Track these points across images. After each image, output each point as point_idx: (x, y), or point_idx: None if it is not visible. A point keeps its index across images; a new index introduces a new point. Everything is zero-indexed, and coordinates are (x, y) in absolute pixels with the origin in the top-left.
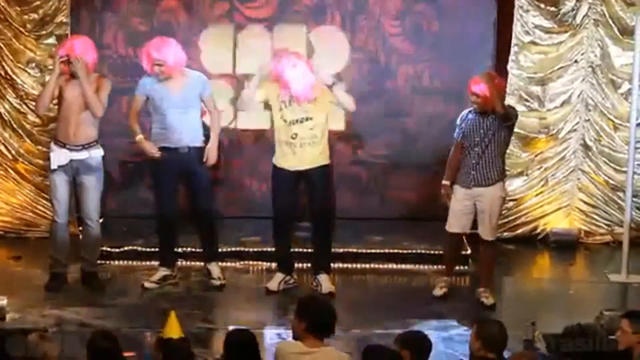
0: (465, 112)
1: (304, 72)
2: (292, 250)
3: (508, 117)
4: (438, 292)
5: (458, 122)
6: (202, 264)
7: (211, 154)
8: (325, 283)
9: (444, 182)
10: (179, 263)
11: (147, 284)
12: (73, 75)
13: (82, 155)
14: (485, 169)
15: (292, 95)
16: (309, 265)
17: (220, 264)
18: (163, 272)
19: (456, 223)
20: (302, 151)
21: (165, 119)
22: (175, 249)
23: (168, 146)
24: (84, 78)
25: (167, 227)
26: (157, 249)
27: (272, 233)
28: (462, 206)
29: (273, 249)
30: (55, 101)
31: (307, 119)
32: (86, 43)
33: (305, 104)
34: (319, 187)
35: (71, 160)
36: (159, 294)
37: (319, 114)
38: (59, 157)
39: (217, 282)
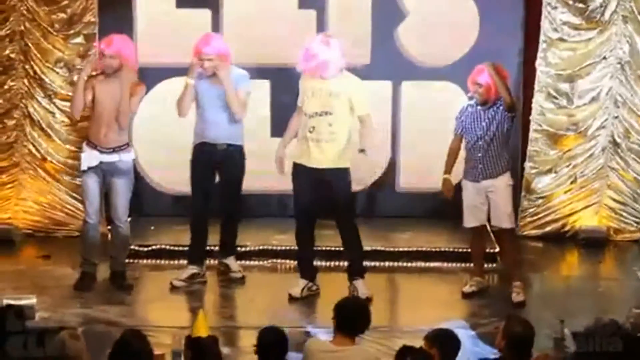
0: (464, 105)
1: (328, 47)
2: (316, 249)
3: (515, 107)
4: (467, 289)
5: (457, 115)
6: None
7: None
8: (362, 288)
9: (444, 176)
10: (207, 262)
11: (175, 282)
12: (107, 75)
13: (112, 158)
14: (492, 161)
15: (319, 68)
16: (336, 263)
17: (247, 262)
18: (192, 270)
19: (472, 218)
20: (319, 148)
21: (205, 114)
22: (206, 248)
23: (207, 142)
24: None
25: (199, 225)
26: (186, 247)
27: (295, 235)
28: (474, 200)
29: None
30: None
31: (326, 113)
32: (125, 41)
33: (327, 98)
34: (340, 191)
35: (101, 162)
36: (186, 293)
37: (340, 108)
38: (90, 158)
39: (239, 275)
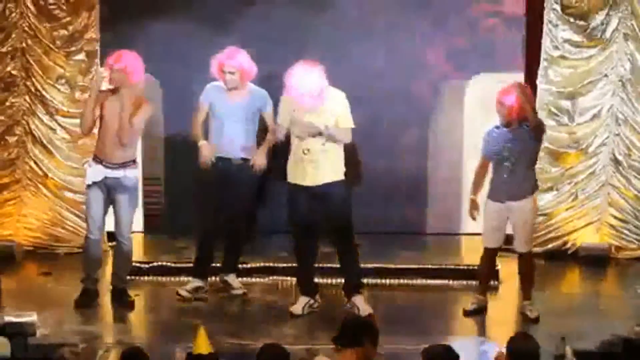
0: (490, 128)
1: (311, 78)
2: (316, 266)
3: (540, 129)
4: (469, 307)
5: (484, 136)
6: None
7: (259, 157)
8: (362, 305)
9: (471, 197)
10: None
11: (181, 292)
12: (115, 91)
13: (117, 173)
14: (517, 183)
15: (298, 101)
16: (335, 280)
17: (248, 279)
18: (196, 283)
19: (491, 238)
20: (314, 167)
21: (222, 127)
22: (211, 264)
23: (222, 156)
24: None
25: (208, 241)
26: (191, 262)
27: (294, 252)
28: (495, 221)
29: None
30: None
31: (319, 134)
32: (133, 56)
33: (315, 117)
34: (334, 204)
35: (105, 177)
36: (188, 309)
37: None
38: (94, 173)
39: (240, 291)
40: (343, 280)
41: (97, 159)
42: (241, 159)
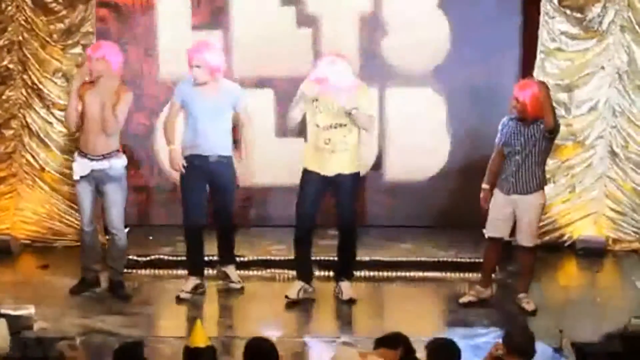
0: (505, 118)
1: (342, 71)
2: (313, 258)
3: (556, 129)
4: (464, 299)
5: (500, 127)
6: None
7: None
8: (346, 290)
9: (483, 185)
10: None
11: (182, 295)
12: (94, 82)
13: (102, 165)
14: (525, 178)
15: (328, 93)
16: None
17: (246, 272)
18: (194, 281)
19: (495, 228)
20: (334, 157)
21: (196, 124)
22: (204, 258)
23: (198, 154)
24: (105, 81)
25: (195, 235)
26: (185, 258)
27: (293, 239)
28: (501, 213)
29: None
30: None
31: (341, 125)
32: (112, 47)
33: (340, 109)
34: (347, 194)
35: (92, 170)
36: (185, 302)
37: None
38: (81, 167)
39: (238, 285)
40: (336, 264)
41: (82, 153)
42: (217, 156)
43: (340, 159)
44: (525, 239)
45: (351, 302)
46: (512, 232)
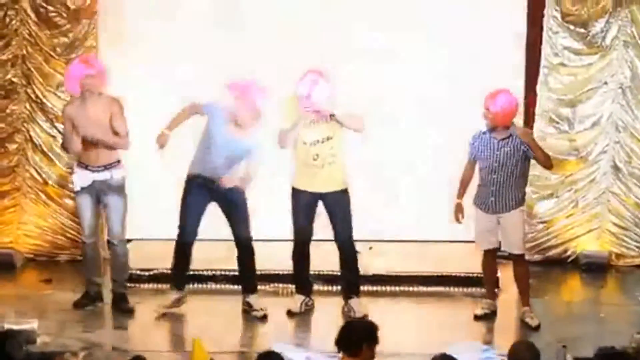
0: (477, 132)
1: (321, 88)
2: (310, 272)
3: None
4: (479, 312)
5: (471, 141)
6: (232, 286)
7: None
8: (357, 307)
9: (456, 200)
10: (210, 286)
11: (162, 310)
12: (84, 97)
13: (104, 176)
14: (506, 198)
15: (311, 111)
16: (328, 288)
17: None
18: (175, 295)
19: (484, 241)
20: (323, 172)
21: (210, 151)
22: (188, 273)
23: (205, 175)
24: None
25: (185, 250)
26: (171, 271)
27: (291, 255)
28: (486, 226)
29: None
30: None
31: (328, 139)
32: (95, 58)
33: (324, 123)
34: (341, 212)
35: (94, 181)
36: (186, 318)
37: (337, 131)
38: (82, 178)
39: (260, 314)
40: (342, 283)
41: (82, 164)
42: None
43: (329, 174)
44: (514, 246)
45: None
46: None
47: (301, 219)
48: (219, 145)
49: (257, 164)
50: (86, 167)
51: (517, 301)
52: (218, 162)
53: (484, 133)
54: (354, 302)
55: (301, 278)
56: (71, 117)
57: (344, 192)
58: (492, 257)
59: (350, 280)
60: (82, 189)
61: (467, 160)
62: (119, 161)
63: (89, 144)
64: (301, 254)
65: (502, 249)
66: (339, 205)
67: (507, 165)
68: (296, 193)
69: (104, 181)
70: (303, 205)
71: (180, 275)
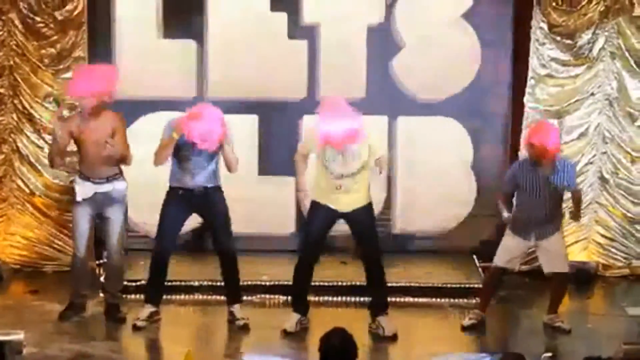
0: (520, 160)
1: (346, 120)
2: (312, 284)
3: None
4: (467, 322)
5: (510, 172)
6: (218, 297)
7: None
8: (387, 325)
9: (505, 215)
10: (196, 297)
11: (139, 323)
12: (84, 114)
13: (106, 187)
14: (548, 225)
15: (335, 145)
16: (324, 298)
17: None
18: (150, 309)
19: (507, 262)
20: (346, 197)
21: (183, 161)
22: (164, 285)
23: (185, 187)
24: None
25: (161, 263)
26: (146, 284)
27: (294, 271)
28: (518, 250)
29: (291, 285)
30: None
31: (353, 174)
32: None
33: (352, 161)
34: (366, 227)
35: (95, 193)
36: (175, 329)
37: (363, 164)
38: (84, 189)
39: (242, 322)
40: (370, 300)
41: (84, 176)
42: (203, 187)
43: (353, 198)
44: (560, 267)
45: (394, 338)
46: None
47: (315, 235)
48: (191, 159)
49: (232, 146)
50: (88, 179)
51: (511, 310)
52: (194, 172)
53: (527, 163)
54: (383, 320)
55: (300, 297)
56: (74, 132)
57: (368, 207)
58: (500, 274)
59: (379, 297)
60: (83, 200)
61: (506, 188)
62: (120, 172)
63: (93, 160)
64: (305, 272)
65: (545, 271)
66: (365, 220)
67: (554, 199)
68: (316, 206)
69: (106, 193)
70: (321, 220)
71: (155, 289)
